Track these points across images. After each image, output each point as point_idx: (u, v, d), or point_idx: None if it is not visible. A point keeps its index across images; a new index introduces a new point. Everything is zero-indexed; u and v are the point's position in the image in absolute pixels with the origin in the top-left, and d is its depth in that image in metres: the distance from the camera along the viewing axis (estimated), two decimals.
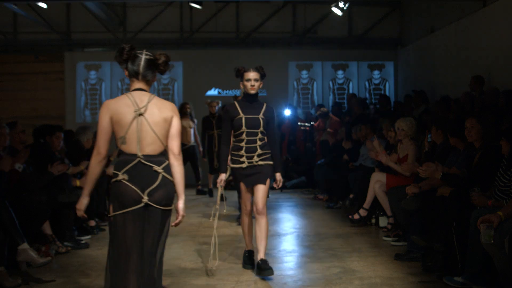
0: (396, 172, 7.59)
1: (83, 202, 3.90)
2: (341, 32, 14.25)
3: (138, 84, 3.81)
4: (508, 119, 6.52)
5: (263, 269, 5.48)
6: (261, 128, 5.65)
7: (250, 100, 5.72)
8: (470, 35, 10.16)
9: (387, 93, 14.15)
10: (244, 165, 5.65)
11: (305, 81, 14.51)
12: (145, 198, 3.66)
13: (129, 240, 3.66)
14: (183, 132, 11.67)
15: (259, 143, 5.66)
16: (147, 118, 3.71)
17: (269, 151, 5.72)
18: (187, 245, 7.16)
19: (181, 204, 3.90)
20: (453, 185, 5.82)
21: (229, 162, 5.78)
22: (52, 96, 14.23)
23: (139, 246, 3.69)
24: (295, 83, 14.48)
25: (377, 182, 7.77)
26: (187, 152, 11.70)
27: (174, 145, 3.82)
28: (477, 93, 8.62)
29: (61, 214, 6.92)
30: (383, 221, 8.03)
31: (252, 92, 5.66)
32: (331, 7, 11.86)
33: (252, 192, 5.77)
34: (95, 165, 3.80)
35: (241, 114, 5.64)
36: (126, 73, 3.84)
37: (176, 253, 6.72)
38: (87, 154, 8.60)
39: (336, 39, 14.26)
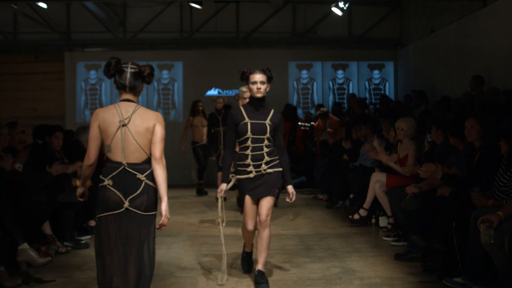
0: (396, 172, 7.59)
1: (79, 190, 4.32)
2: (341, 32, 14.24)
3: (126, 96, 4.07)
4: (508, 119, 6.52)
5: (258, 283, 5.26)
6: (268, 134, 5.28)
7: (257, 105, 5.36)
8: (470, 35, 10.16)
9: (387, 93, 14.15)
10: (252, 175, 5.28)
11: (305, 81, 14.51)
12: (126, 204, 3.94)
13: (113, 237, 3.95)
14: (196, 130, 11.60)
15: (266, 150, 5.29)
16: (130, 128, 3.97)
17: (277, 157, 5.34)
18: (187, 245, 7.16)
19: (164, 206, 4.04)
20: (453, 185, 5.82)
21: (232, 169, 5.43)
22: (52, 96, 14.23)
23: (125, 243, 3.95)
24: (295, 83, 14.48)
25: (377, 182, 7.77)
26: (201, 150, 11.59)
27: (156, 150, 4.01)
28: (477, 93, 8.62)
29: (61, 214, 6.92)
30: (383, 221, 8.03)
31: (258, 95, 5.32)
32: (331, 7, 11.85)
33: (257, 204, 5.37)
34: (86, 168, 4.12)
35: (247, 119, 5.28)
36: (115, 85, 4.09)
37: (176, 253, 6.72)
38: None
39: (336, 39, 14.25)
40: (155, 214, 4.07)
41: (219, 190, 5.35)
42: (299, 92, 14.50)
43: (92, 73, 14.30)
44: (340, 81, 14.53)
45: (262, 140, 5.29)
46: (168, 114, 14.27)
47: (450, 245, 5.48)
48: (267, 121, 5.31)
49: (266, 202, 5.29)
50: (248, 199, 5.34)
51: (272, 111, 5.40)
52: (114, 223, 3.95)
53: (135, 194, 3.94)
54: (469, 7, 10.27)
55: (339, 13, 11.92)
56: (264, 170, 5.27)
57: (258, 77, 5.33)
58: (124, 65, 4.03)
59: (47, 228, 6.55)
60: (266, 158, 5.29)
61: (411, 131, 7.49)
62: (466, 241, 5.17)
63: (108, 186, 3.96)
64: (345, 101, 14.27)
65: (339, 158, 10.38)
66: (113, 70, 4.03)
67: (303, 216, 9.26)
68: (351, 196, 9.06)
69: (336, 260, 6.30)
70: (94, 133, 4.01)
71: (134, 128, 3.97)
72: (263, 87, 5.33)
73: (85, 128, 8.74)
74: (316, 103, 14.18)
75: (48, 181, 6.66)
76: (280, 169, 5.35)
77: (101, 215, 3.97)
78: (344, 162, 10.00)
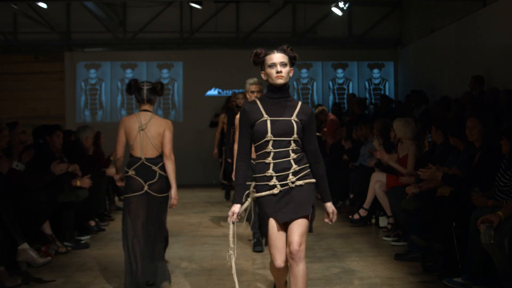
0: (396, 172, 7.58)
1: (117, 178, 5.50)
2: (341, 32, 14.24)
3: (144, 107, 5.34)
4: (508, 119, 6.52)
5: None
6: (295, 135, 3.98)
7: (278, 96, 4.05)
8: (470, 35, 10.16)
9: (387, 93, 14.15)
10: (276, 191, 3.97)
11: (305, 81, 14.51)
12: (146, 187, 5.21)
13: (134, 213, 5.19)
14: None
15: (293, 156, 3.99)
16: (147, 133, 5.25)
17: (307, 165, 4.06)
18: (187, 245, 7.16)
19: (173, 190, 5.31)
20: (453, 185, 5.81)
21: (251, 188, 4.14)
22: (52, 96, 14.23)
23: (144, 217, 5.20)
24: (295, 83, 14.48)
25: (377, 182, 7.77)
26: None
27: (166, 149, 5.28)
28: (477, 93, 8.62)
29: (61, 214, 6.92)
30: (383, 221, 8.03)
31: (280, 81, 4.00)
32: (331, 7, 11.85)
33: (285, 229, 4.00)
34: (116, 161, 5.44)
35: (265, 116, 4.00)
36: (136, 100, 5.37)
37: (176, 253, 6.72)
38: (87, 153, 8.62)
39: (336, 39, 14.25)
40: (167, 195, 5.30)
41: (230, 213, 4.00)
42: (299, 92, 14.50)
43: (92, 72, 14.29)
44: (340, 81, 14.53)
45: (288, 144, 3.99)
46: (168, 114, 14.27)
47: (450, 245, 5.48)
48: (293, 118, 4.00)
49: (298, 226, 3.96)
50: (273, 224, 3.97)
51: (299, 104, 4.09)
52: (137, 201, 5.18)
53: (153, 181, 5.21)
54: (469, 7, 10.28)
55: (339, 13, 11.92)
56: (293, 182, 3.99)
57: (278, 57, 4.03)
58: (141, 84, 5.31)
59: (47, 228, 6.55)
60: (295, 167, 4.00)
61: (401, 131, 7.47)
62: (466, 241, 5.17)
63: (132, 175, 5.21)
64: (345, 101, 14.27)
65: (339, 158, 10.37)
66: (133, 89, 5.30)
67: None
68: (351, 196, 9.07)
69: (336, 260, 6.30)
70: (121, 137, 5.30)
71: (150, 133, 5.25)
72: (284, 70, 4.02)
73: (86, 127, 8.80)
74: (316, 103, 14.18)
75: (49, 180, 6.66)
76: (313, 180, 4.09)
77: (127, 195, 5.24)
78: (344, 162, 10.00)
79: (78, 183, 7.30)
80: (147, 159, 5.24)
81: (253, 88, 6.59)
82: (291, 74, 4.08)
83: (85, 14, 13.43)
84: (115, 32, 14.13)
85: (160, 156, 5.28)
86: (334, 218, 4.11)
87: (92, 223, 8.01)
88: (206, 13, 13.74)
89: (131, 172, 5.23)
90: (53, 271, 5.89)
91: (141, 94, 5.30)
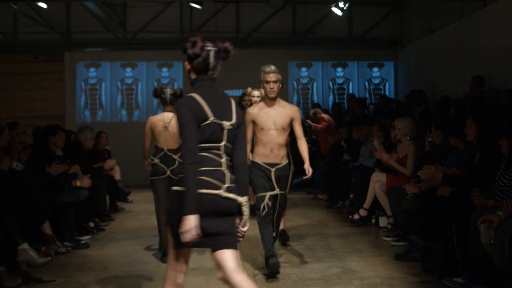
0: (396, 172, 7.59)
1: (146, 163, 6.58)
2: (341, 32, 14.24)
3: (167, 108, 6.47)
4: (508, 118, 6.52)
5: None
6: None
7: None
8: (470, 35, 10.16)
9: (387, 93, 14.15)
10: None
11: (305, 81, 14.51)
12: (168, 172, 6.35)
13: (160, 192, 6.34)
14: None
15: None
16: (169, 129, 6.42)
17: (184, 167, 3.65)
18: None
19: None
20: (453, 185, 5.82)
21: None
22: (52, 96, 14.22)
23: (167, 196, 5.82)
24: (295, 83, 14.48)
25: (377, 182, 7.77)
26: None
27: None
28: (477, 93, 8.62)
29: (61, 214, 6.92)
30: (383, 221, 8.03)
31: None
32: (331, 7, 11.85)
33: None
34: (144, 151, 6.65)
35: None
36: (160, 102, 6.52)
37: None
38: (87, 154, 8.62)
39: (336, 39, 14.25)
40: None
41: None
42: (299, 92, 14.49)
43: (92, 70, 14.28)
44: (340, 81, 14.52)
45: None
46: None
47: (450, 245, 5.48)
48: None
49: None
50: None
51: None
52: (161, 183, 6.31)
53: (173, 167, 6.29)
54: (469, 7, 10.28)
55: (339, 13, 11.92)
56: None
57: None
58: (164, 90, 6.44)
59: (47, 228, 6.55)
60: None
61: (407, 130, 7.48)
62: (466, 241, 5.17)
63: (157, 163, 6.37)
64: (345, 101, 14.27)
65: (339, 158, 10.38)
66: (159, 93, 6.44)
67: (303, 216, 9.26)
68: (351, 196, 9.07)
69: (336, 260, 6.30)
70: (147, 131, 6.49)
71: (172, 129, 6.37)
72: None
73: (86, 127, 8.82)
74: (315, 103, 14.17)
75: (48, 181, 6.66)
76: (176, 188, 3.74)
77: (152, 178, 6.36)
78: (344, 162, 10.00)
79: (78, 183, 7.30)
80: (169, 150, 6.41)
81: (269, 77, 5.62)
82: (187, 68, 3.90)
83: (85, 14, 13.43)
84: (115, 32, 14.13)
85: (180, 148, 6.24)
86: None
87: (92, 224, 8.00)
88: (206, 13, 13.73)
89: (156, 160, 6.39)
90: (53, 271, 5.89)
91: (165, 98, 6.45)
